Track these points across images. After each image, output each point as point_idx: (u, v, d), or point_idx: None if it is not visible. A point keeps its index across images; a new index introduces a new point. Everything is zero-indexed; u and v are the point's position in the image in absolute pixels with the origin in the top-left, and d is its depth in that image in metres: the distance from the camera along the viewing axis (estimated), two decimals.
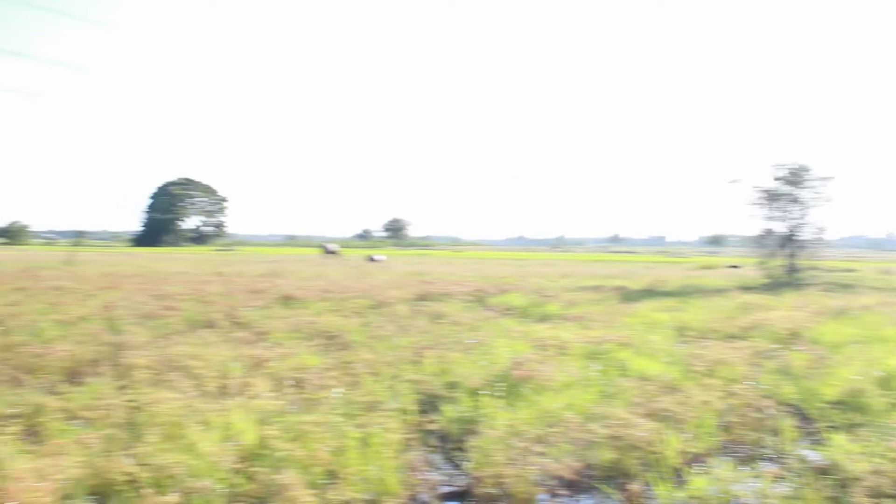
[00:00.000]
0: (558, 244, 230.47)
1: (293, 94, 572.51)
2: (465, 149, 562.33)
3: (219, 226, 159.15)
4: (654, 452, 6.44)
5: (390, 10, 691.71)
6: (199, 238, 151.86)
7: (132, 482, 5.39)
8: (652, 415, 7.28)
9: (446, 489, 6.22)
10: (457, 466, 6.69)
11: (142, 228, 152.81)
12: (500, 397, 8.02)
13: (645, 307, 18.02)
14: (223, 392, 8.22)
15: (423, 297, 19.54)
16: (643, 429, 6.68)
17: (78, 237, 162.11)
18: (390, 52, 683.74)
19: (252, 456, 6.08)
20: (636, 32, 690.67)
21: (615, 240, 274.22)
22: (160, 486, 5.34)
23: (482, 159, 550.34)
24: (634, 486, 5.89)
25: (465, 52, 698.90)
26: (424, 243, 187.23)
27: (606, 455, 6.43)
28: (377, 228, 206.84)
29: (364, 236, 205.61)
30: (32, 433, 6.59)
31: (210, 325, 13.62)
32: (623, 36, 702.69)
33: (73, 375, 9.28)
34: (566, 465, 6.15)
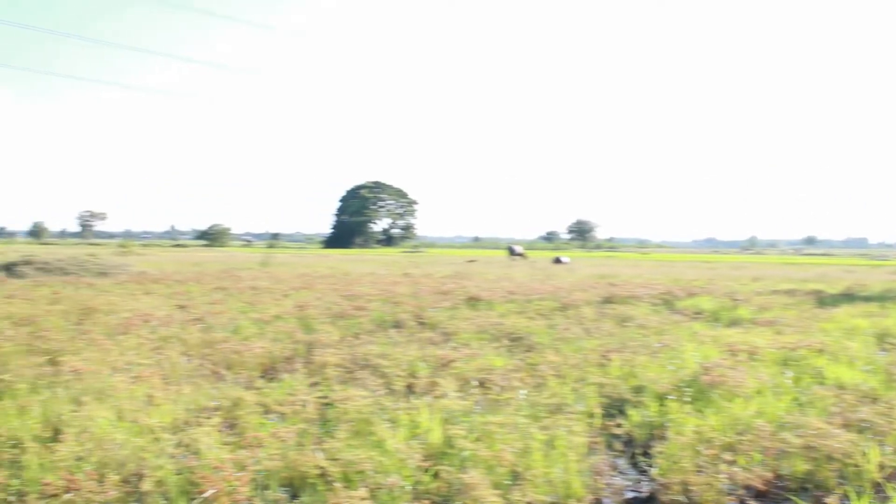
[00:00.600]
0: (750, 246, 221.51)
1: (478, 95, 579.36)
2: (654, 148, 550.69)
3: (407, 228, 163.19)
4: (852, 465, 6.00)
5: (576, 11, 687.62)
6: (387, 240, 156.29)
7: (323, 476, 5.54)
8: (850, 425, 6.78)
9: (631, 494, 6.04)
10: (642, 472, 6.49)
11: (333, 231, 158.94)
12: (688, 403, 7.72)
13: (843, 312, 16.91)
14: (410, 391, 8.34)
15: (609, 300, 19.19)
16: (840, 440, 6.23)
17: (273, 239, 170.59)
18: (577, 52, 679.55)
19: (438, 454, 6.11)
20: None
21: (810, 241, 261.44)
22: (349, 481, 5.45)
23: (671, 158, 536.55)
24: (830, 500, 5.50)
25: (657, 49, 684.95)
26: (610, 245, 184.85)
27: (800, 466, 6.05)
28: (562, 230, 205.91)
29: (549, 238, 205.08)
30: (231, 425, 6.90)
31: (398, 325, 13.88)
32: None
33: (269, 371, 9.69)
34: (757, 475, 5.83)
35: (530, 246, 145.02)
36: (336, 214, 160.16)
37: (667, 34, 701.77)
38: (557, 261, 57.05)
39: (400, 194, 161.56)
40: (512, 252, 68.51)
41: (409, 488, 5.39)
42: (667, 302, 19.08)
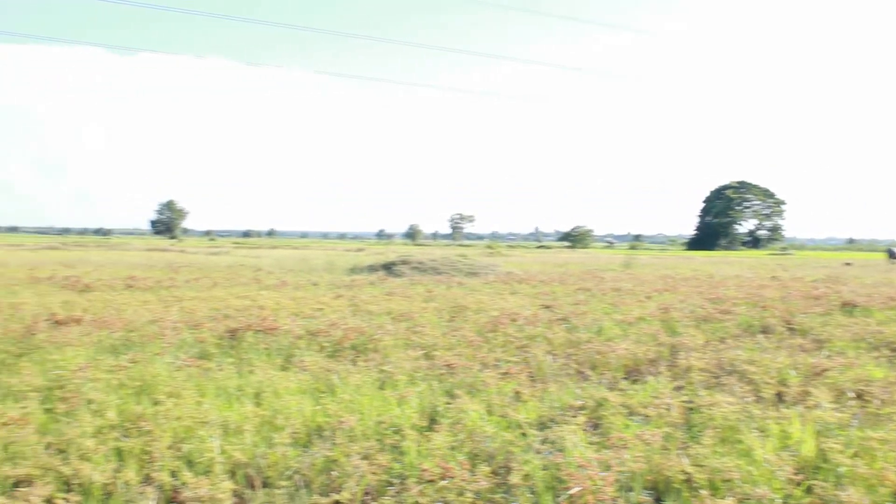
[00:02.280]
0: None
1: (854, 90, 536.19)
2: None
3: (774, 229, 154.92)
4: None
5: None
6: (753, 242, 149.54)
7: (688, 482, 5.46)
8: None
9: None
10: None
11: (696, 232, 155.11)
12: None
13: None
14: (780, 399, 7.96)
15: None
16: None
17: (635, 241, 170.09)
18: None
19: (811, 468, 5.78)
20: None
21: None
22: (715, 489, 5.33)
23: None
24: None
25: None
26: None
27: None
28: None
29: None
30: (595, 425, 7.02)
31: (766, 330, 13.26)
32: None
33: (632, 373, 9.70)
34: None
35: None
36: (700, 215, 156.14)
37: None
38: None
39: (766, 194, 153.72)
40: (892, 255, 62.27)
41: (779, 501, 5.15)
42: None
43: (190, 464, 5.81)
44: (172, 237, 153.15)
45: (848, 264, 52.71)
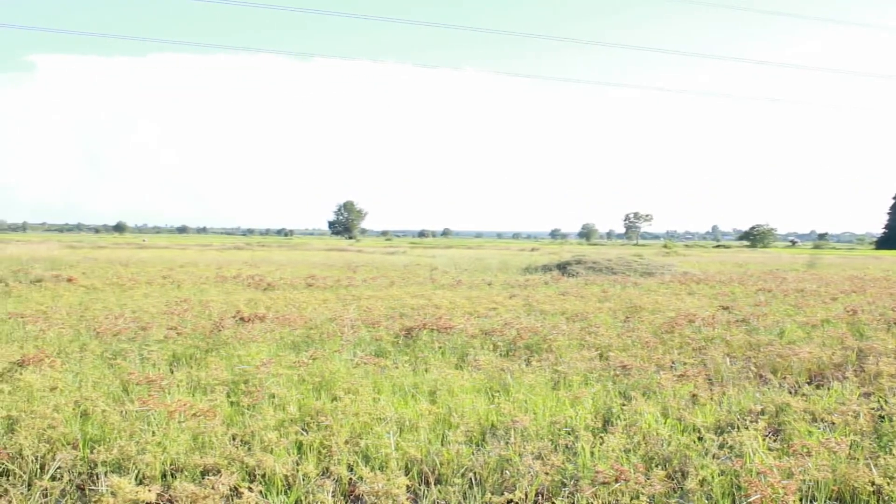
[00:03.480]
0: None
1: None
2: None
3: None
4: None
5: None
6: None
7: (876, 493, 5.22)
8: None
9: None
10: None
11: (886, 230, 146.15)
12: None
13: None
14: None
15: None
16: None
17: (820, 240, 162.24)
18: None
19: None
20: None
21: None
22: None
23: None
24: None
25: None
26: None
27: None
28: None
29: None
30: (776, 431, 6.80)
31: None
32: None
33: (816, 378, 9.33)
34: None
35: None
36: (890, 213, 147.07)
37: None
38: None
39: None
40: None
41: None
42: None
43: (366, 458, 6.03)
44: (350, 237, 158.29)
45: None
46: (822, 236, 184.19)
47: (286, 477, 5.64)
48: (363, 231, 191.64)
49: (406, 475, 5.67)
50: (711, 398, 7.74)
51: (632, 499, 5.15)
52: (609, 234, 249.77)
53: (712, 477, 5.50)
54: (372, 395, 7.53)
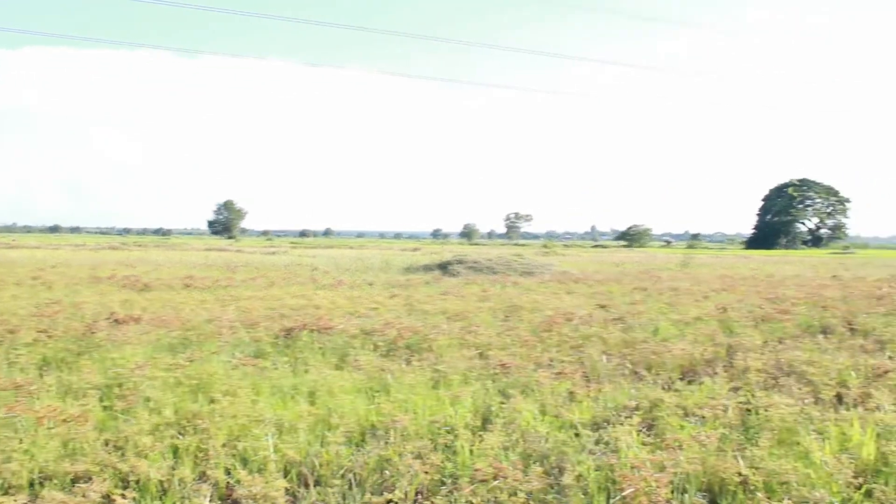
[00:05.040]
0: None
1: None
2: None
3: (837, 228, 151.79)
4: None
5: None
6: (814, 241, 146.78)
7: (743, 484, 5.41)
8: None
9: None
10: None
11: (755, 231, 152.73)
12: None
13: None
14: (839, 401, 7.84)
15: None
16: None
17: (693, 240, 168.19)
18: None
19: (871, 472, 5.70)
20: None
21: None
22: (771, 492, 5.28)
23: None
24: None
25: None
26: None
27: None
28: None
29: None
30: (650, 426, 6.98)
31: (826, 330, 13.05)
32: None
33: (688, 374, 9.62)
34: None
35: None
36: (759, 214, 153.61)
37: None
38: None
39: (829, 192, 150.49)
40: None
41: None
42: None
43: (244, 462, 5.91)
44: (230, 237, 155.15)
45: None
46: (695, 236, 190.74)
47: (161, 482, 5.47)
48: (243, 231, 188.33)
49: (285, 477, 5.61)
50: (588, 395, 7.89)
51: (510, 495, 5.18)
52: (490, 234, 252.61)
53: (588, 472, 5.59)
54: (250, 396, 7.37)
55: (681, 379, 9.11)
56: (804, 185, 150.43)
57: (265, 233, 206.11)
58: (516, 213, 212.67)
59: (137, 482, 5.44)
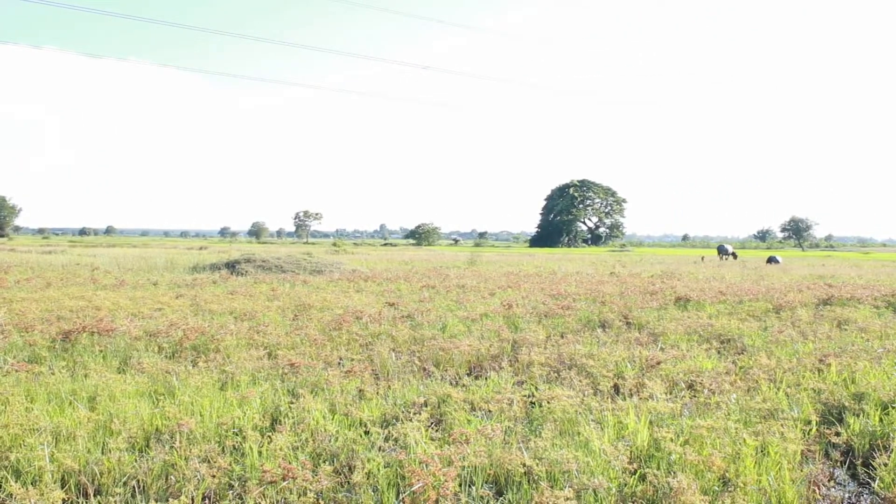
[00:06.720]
0: None
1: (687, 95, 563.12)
2: (879, 141, 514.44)
3: (615, 226, 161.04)
4: None
5: None
6: (594, 239, 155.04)
7: (528, 474, 5.56)
8: None
9: None
10: (863, 484, 6.07)
11: (539, 229, 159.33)
12: None
13: None
14: (617, 392, 8.24)
15: (826, 302, 18.13)
16: None
17: (480, 238, 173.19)
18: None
19: (645, 457, 6.00)
20: None
21: None
22: (554, 481, 5.44)
23: None
24: None
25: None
26: (828, 244, 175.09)
27: None
28: (776, 229, 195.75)
29: (762, 237, 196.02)
30: (438, 421, 7.05)
31: (604, 324, 13.76)
32: None
33: (475, 369, 9.83)
34: None
35: (742, 245, 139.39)
36: (542, 213, 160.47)
37: None
38: (771, 260, 54.58)
39: (608, 192, 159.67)
40: (722, 252, 66.36)
41: (614, 490, 5.31)
42: (891, 305, 17.77)
43: (17, 473, 5.48)
44: (2, 235, 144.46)
45: (703, 259, 56.94)
46: (482, 235, 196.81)
47: None
48: (17, 229, 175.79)
49: (63, 488, 5.27)
50: (378, 392, 7.89)
51: (299, 496, 5.08)
52: (279, 233, 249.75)
53: (378, 469, 5.57)
54: (24, 404, 6.86)
55: (468, 374, 9.30)
56: (584, 185, 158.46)
57: (41, 231, 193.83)
58: (306, 212, 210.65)
59: None
